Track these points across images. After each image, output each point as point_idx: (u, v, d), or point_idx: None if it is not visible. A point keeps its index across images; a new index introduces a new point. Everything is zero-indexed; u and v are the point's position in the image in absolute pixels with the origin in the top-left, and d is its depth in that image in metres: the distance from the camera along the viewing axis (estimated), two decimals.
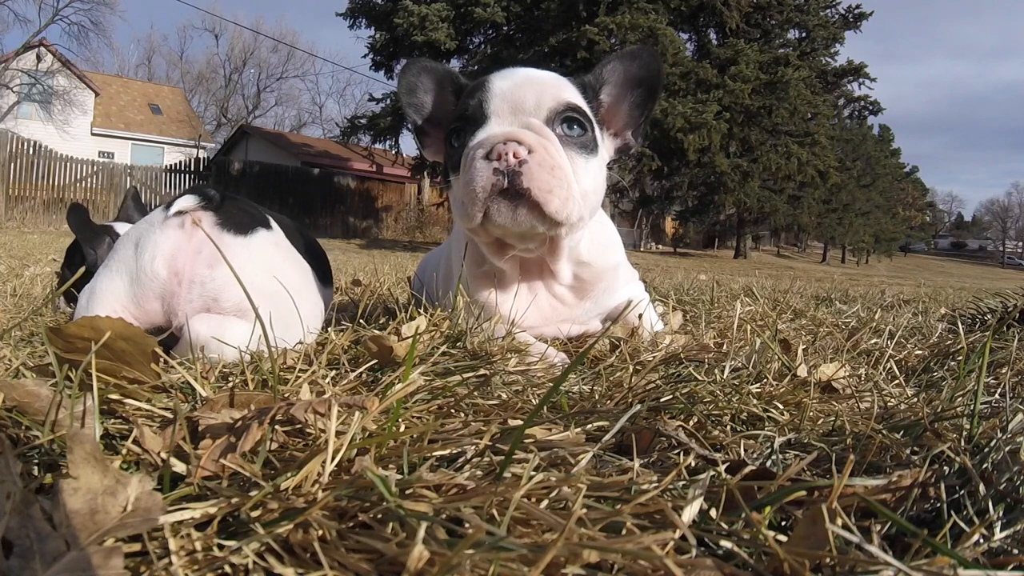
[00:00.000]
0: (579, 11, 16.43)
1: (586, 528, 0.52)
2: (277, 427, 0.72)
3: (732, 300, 2.64)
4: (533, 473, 0.59)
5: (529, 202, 1.23)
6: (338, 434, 0.64)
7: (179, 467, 0.63)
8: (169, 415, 0.79)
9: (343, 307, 2.04)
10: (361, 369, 1.03)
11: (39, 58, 26.89)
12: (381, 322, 1.57)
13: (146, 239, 1.21)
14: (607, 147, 1.48)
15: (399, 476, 0.60)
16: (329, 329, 1.36)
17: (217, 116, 40.89)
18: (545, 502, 0.57)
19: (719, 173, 18.80)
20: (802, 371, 1.11)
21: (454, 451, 0.71)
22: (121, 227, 2.04)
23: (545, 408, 0.90)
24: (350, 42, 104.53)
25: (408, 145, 22.71)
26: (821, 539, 0.49)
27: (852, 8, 20.83)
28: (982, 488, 0.62)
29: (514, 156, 1.22)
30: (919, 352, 1.52)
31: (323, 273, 1.59)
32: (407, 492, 0.58)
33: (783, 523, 0.60)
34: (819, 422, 0.91)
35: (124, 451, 0.67)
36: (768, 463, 0.73)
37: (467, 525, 0.51)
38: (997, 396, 1.05)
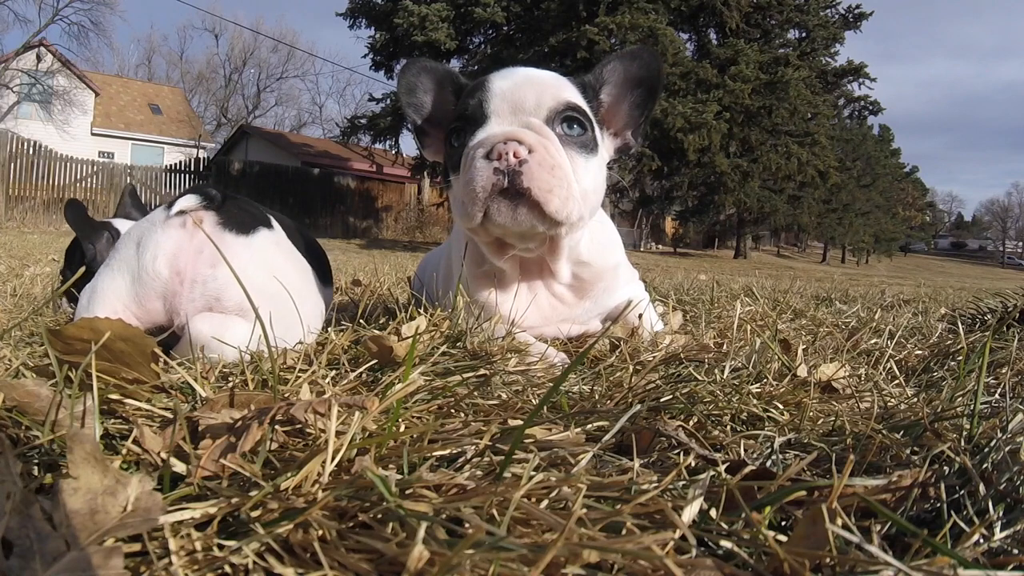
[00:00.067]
0: (579, 11, 16.42)
1: (586, 528, 0.52)
2: (277, 427, 0.72)
3: (732, 300, 2.64)
4: (533, 473, 0.59)
5: (529, 202, 1.23)
6: (338, 434, 0.64)
7: (179, 467, 0.63)
8: (169, 415, 0.79)
9: (343, 307, 2.04)
10: (361, 369, 1.03)
11: (39, 58, 26.89)
12: (381, 322, 1.57)
13: (148, 238, 1.21)
14: (607, 147, 1.48)
15: (399, 476, 0.60)
16: (329, 329, 1.36)
17: (217, 116, 40.92)
18: (545, 502, 0.57)
19: (719, 173, 18.80)
20: (802, 371, 1.11)
21: (454, 451, 0.71)
22: (119, 223, 2.04)
23: (545, 408, 0.90)
24: (350, 42, 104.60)
25: (408, 145, 22.73)
26: (821, 539, 0.49)
27: (852, 8, 20.83)
28: (982, 488, 0.62)
29: (514, 156, 1.22)
30: (919, 352, 1.52)
31: (323, 273, 1.59)
32: (407, 492, 0.58)
33: (783, 523, 0.60)
34: (819, 422, 0.91)
35: (124, 451, 0.67)
36: (768, 463, 0.73)
37: (467, 525, 0.51)
38: (997, 396, 1.05)
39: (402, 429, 0.77)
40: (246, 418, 0.70)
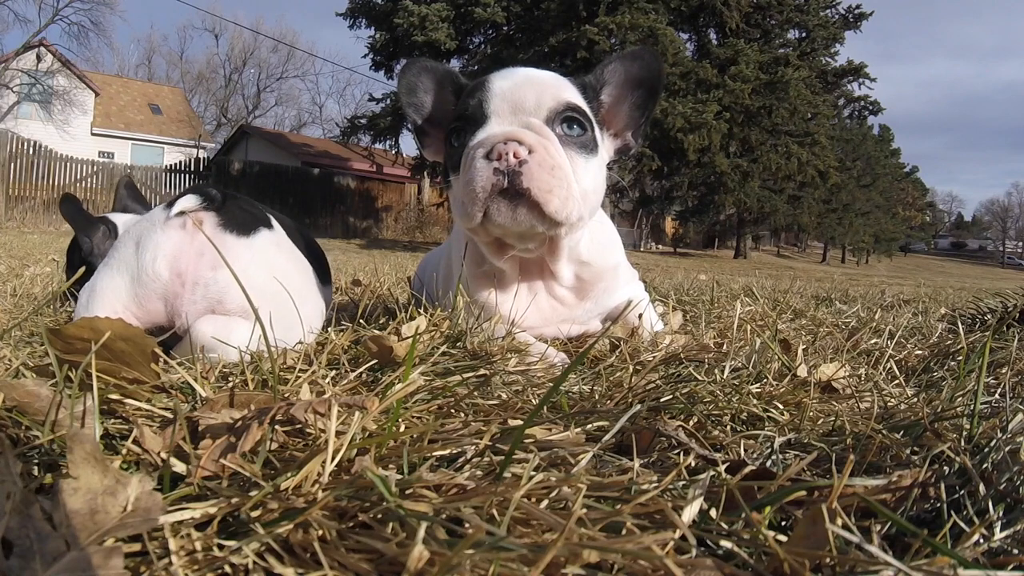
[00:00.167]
0: (579, 11, 16.42)
1: (586, 528, 0.52)
2: (277, 427, 0.72)
3: (732, 300, 2.64)
4: (533, 473, 0.59)
5: (529, 202, 1.23)
6: (338, 434, 0.64)
7: (179, 467, 0.63)
8: (169, 415, 0.79)
9: (343, 307, 2.04)
10: (361, 369, 1.03)
11: (39, 58, 26.89)
12: (381, 322, 1.57)
13: (147, 239, 1.21)
14: (607, 147, 1.48)
15: (399, 476, 0.60)
16: (329, 329, 1.36)
17: (217, 116, 40.92)
18: (545, 502, 0.57)
19: (719, 173, 18.80)
20: (802, 371, 1.11)
21: (454, 451, 0.71)
22: (117, 217, 2.03)
23: (545, 408, 0.90)
24: (350, 42, 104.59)
25: (408, 145, 22.73)
26: (821, 539, 0.49)
27: (852, 8, 20.82)
28: (982, 488, 0.62)
29: (514, 156, 1.22)
30: (919, 352, 1.52)
31: (323, 273, 1.59)
32: (407, 492, 0.58)
33: (783, 523, 0.60)
34: (819, 422, 0.91)
35: (124, 451, 0.67)
36: (768, 463, 0.73)
37: (467, 525, 0.51)
38: (997, 396, 1.05)
39: (402, 429, 0.77)
40: (246, 418, 0.70)
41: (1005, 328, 1.86)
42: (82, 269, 1.21)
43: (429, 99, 1.52)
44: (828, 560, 0.49)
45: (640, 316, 1.59)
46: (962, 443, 0.76)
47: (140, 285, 1.19)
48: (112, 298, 1.19)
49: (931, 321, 2.23)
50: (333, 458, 0.62)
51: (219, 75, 41.73)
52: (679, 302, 2.48)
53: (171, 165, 19.33)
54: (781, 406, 0.96)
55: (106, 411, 0.80)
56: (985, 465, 0.67)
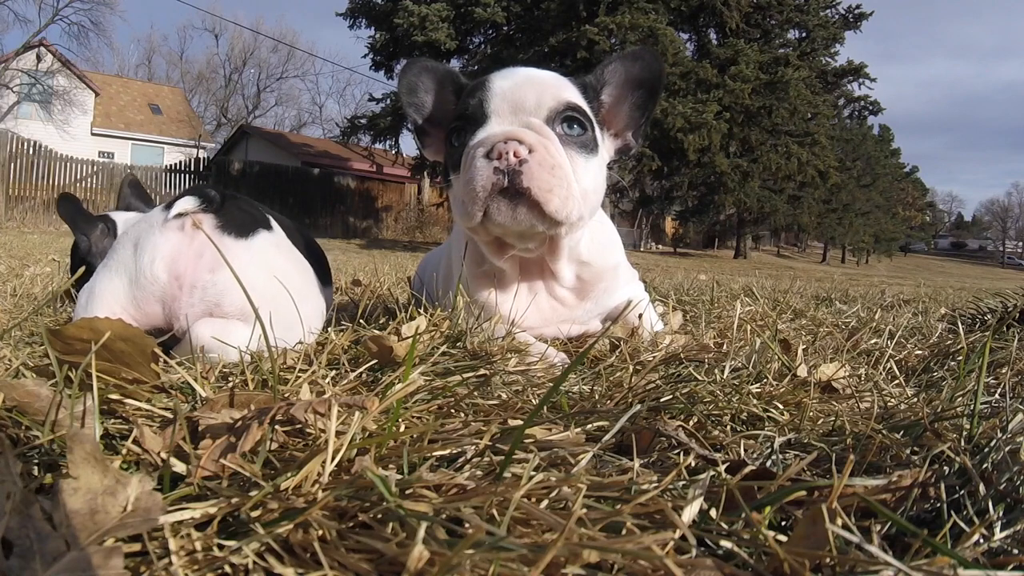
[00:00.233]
0: (579, 11, 16.42)
1: (586, 528, 0.52)
2: (277, 427, 0.72)
3: (732, 300, 2.64)
4: (533, 473, 0.59)
5: (529, 201, 1.23)
6: (338, 434, 0.64)
7: (179, 467, 0.63)
8: (169, 415, 0.79)
9: (343, 307, 2.04)
10: (361, 369, 1.03)
11: (39, 58, 26.89)
12: (381, 322, 1.57)
13: (145, 240, 1.21)
14: (607, 147, 1.48)
15: (399, 476, 0.60)
16: (329, 329, 1.36)
17: (217, 116, 40.92)
18: (545, 502, 0.57)
19: (719, 173, 18.79)
20: (802, 371, 1.11)
21: (454, 451, 0.71)
22: (118, 216, 2.02)
23: (545, 408, 0.90)
24: (350, 42, 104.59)
25: (408, 145, 22.73)
26: (821, 539, 0.49)
27: (852, 8, 20.82)
28: (982, 488, 0.62)
29: (514, 155, 1.22)
30: (919, 352, 1.52)
31: (323, 274, 1.59)
32: (407, 492, 0.58)
33: (783, 523, 0.60)
34: (819, 422, 0.91)
35: (124, 451, 0.67)
36: (768, 463, 0.73)
37: (467, 525, 0.51)
38: (997, 396, 1.05)
39: (402, 429, 0.77)
40: (246, 418, 0.70)
41: (1005, 328, 1.86)
42: (81, 269, 1.20)
43: (430, 99, 1.52)
44: (828, 560, 0.49)
45: (640, 316, 1.59)
46: (962, 443, 0.76)
47: (138, 288, 1.19)
48: (110, 300, 1.19)
49: (931, 321, 2.23)
50: (333, 458, 0.62)
51: (219, 75, 41.78)
52: (679, 302, 2.48)
53: (171, 165, 19.34)
54: (781, 406, 0.96)
55: (106, 411, 0.80)
56: (985, 465, 0.67)
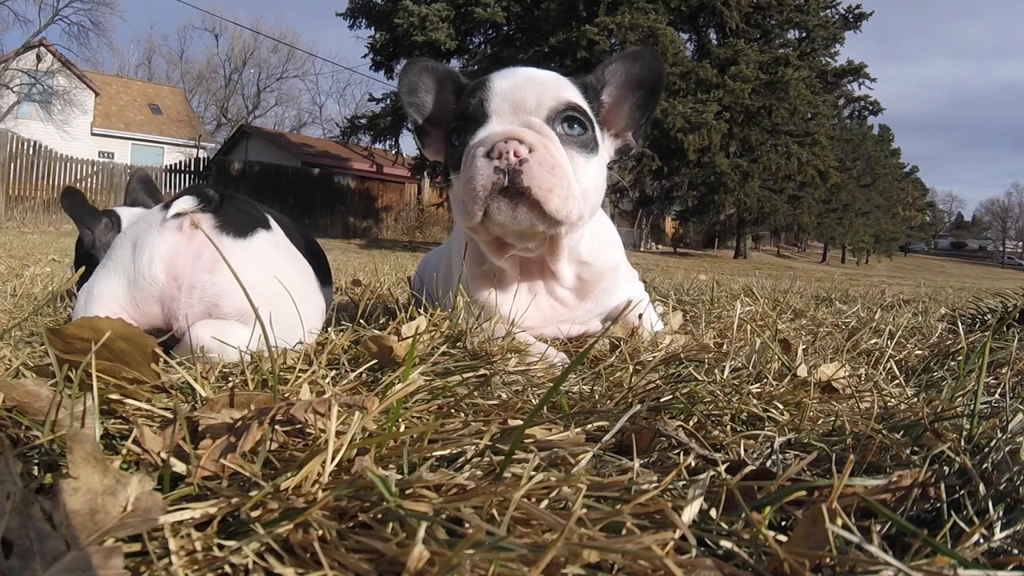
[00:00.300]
0: (579, 11, 16.42)
1: (586, 528, 0.52)
2: (277, 427, 0.72)
3: (732, 300, 2.64)
4: (533, 473, 0.59)
5: (529, 200, 1.23)
6: (338, 434, 0.64)
7: (179, 467, 0.63)
8: (169, 415, 0.79)
9: (343, 307, 2.04)
10: (361, 369, 1.03)
11: (39, 58, 26.89)
12: (381, 322, 1.57)
13: (144, 240, 1.21)
14: (607, 147, 1.48)
15: (399, 476, 0.60)
16: (329, 329, 1.36)
17: (217, 116, 40.92)
18: (545, 502, 0.57)
19: (719, 173, 18.79)
20: (802, 371, 1.11)
21: (454, 451, 0.71)
22: (123, 211, 2.02)
23: (545, 408, 0.90)
24: (350, 42, 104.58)
25: (408, 145, 22.73)
26: (821, 539, 0.49)
27: (852, 8, 20.82)
28: (982, 488, 0.62)
29: (515, 155, 1.22)
30: (919, 352, 1.52)
31: (323, 274, 1.59)
32: (407, 492, 0.58)
33: (783, 523, 0.60)
34: (819, 422, 0.91)
35: (124, 451, 0.67)
36: (768, 463, 0.73)
37: (467, 525, 0.51)
38: (997, 396, 1.05)
39: (402, 429, 0.77)
40: (246, 418, 0.70)
41: (1005, 328, 1.86)
42: (81, 269, 1.20)
43: (430, 99, 1.52)
44: (828, 560, 0.49)
45: (640, 316, 1.59)
46: (962, 443, 0.76)
47: (137, 288, 1.18)
48: (109, 300, 1.19)
49: (931, 321, 2.23)
50: (333, 458, 0.62)
51: (219, 75, 41.77)
52: (679, 302, 2.48)
53: (171, 165, 19.34)
54: (781, 406, 0.96)
55: (106, 411, 0.80)
56: (985, 465, 0.67)
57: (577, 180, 1.29)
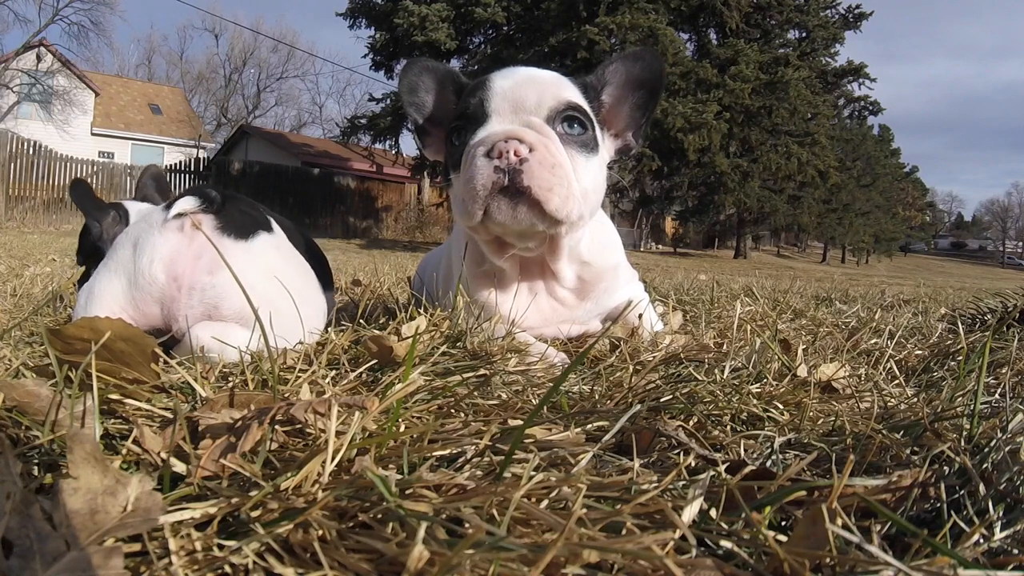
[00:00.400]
0: (579, 11, 16.42)
1: (586, 528, 0.52)
2: (277, 427, 0.72)
3: (732, 300, 2.64)
4: (533, 473, 0.59)
5: (529, 200, 1.23)
6: (338, 434, 0.64)
7: (179, 467, 0.63)
8: (169, 415, 0.79)
9: (343, 307, 2.04)
10: (361, 369, 1.03)
11: (39, 58, 26.89)
12: (381, 322, 1.57)
13: (144, 241, 1.21)
14: (608, 147, 1.48)
15: (399, 476, 0.60)
16: (329, 329, 1.36)
17: (217, 116, 40.92)
18: (545, 502, 0.57)
19: (719, 173, 18.79)
20: (802, 371, 1.11)
21: (454, 451, 0.71)
22: (132, 205, 2.02)
23: (545, 408, 0.90)
24: (350, 42, 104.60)
25: (408, 145, 22.73)
26: (821, 539, 0.49)
27: (852, 8, 20.82)
28: (982, 488, 0.62)
29: (515, 154, 1.22)
30: (919, 352, 1.52)
31: (324, 277, 1.58)
32: (407, 492, 0.58)
33: (783, 523, 0.60)
34: (819, 422, 0.91)
35: (124, 451, 0.67)
36: (768, 463, 0.73)
37: (467, 525, 0.51)
38: (997, 396, 1.05)
39: (402, 429, 0.77)
40: (246, 418, 0.70)
41: (1005, 328, 1.86)
42: (81, 269, 1.20)
43: (430, 98, 1.52)
44: (828, 560, 0.49)
45: (640, 316, 1.59)
46: (962, 443, 0.76)
47: (137, 288, 1.18)
48: (109, 300, 1.19)
49: (931, 321, 2.23)
50: (333, 458, 0.62)
51: (219, 75, 41.77)
52: (679, 302, 2.48)
53: (171, 165, 19.33)
54: (781, 406, 0.96)
55: (106, 411, 0.80)
56: (985, 465, 0.67)
57: (577, 180, 1.29)
